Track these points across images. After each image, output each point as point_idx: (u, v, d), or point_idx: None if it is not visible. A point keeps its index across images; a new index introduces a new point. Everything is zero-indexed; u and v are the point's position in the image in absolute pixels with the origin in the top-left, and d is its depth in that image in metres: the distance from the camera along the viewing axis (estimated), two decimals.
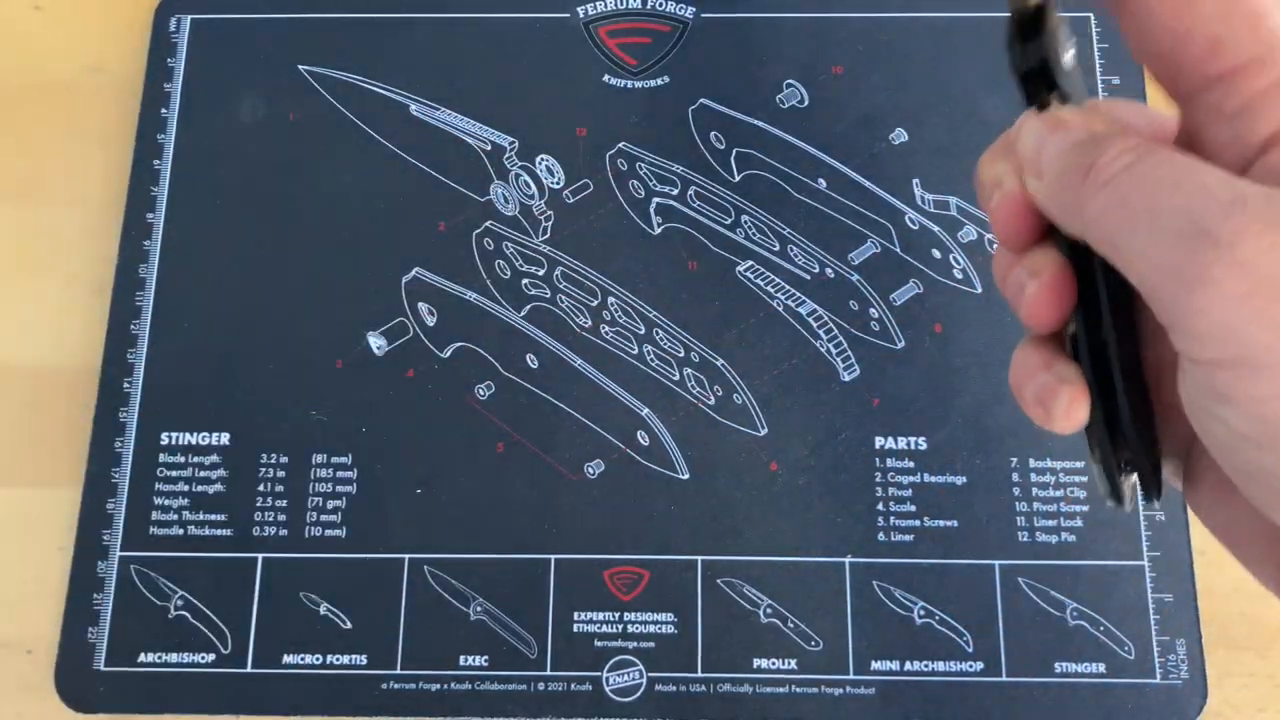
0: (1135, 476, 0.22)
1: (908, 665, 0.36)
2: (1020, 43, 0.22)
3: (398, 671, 0.36)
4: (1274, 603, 0.37)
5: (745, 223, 0.40)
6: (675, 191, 0.41)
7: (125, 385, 0.39)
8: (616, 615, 0.37)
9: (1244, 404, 0.18)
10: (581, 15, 0.43)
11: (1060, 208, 0.21)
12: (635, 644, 0.36)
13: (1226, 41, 0.19)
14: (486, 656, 0.36)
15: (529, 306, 0.40)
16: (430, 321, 0.40)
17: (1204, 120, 0.20)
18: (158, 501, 0.38)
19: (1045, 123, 0.21)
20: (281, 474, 0.38)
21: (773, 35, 0.43)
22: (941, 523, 0.37)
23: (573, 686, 0.36)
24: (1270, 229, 0.17)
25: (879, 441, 0.38)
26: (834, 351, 0.39)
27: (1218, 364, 0.18)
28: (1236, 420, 0.18)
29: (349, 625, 0.37)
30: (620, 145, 0.41)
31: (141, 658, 0.36)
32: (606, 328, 0.39)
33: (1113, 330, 0.21)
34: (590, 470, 0.38)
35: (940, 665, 0.36)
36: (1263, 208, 0.17)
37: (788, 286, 0.40)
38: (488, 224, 0.41)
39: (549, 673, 0.36)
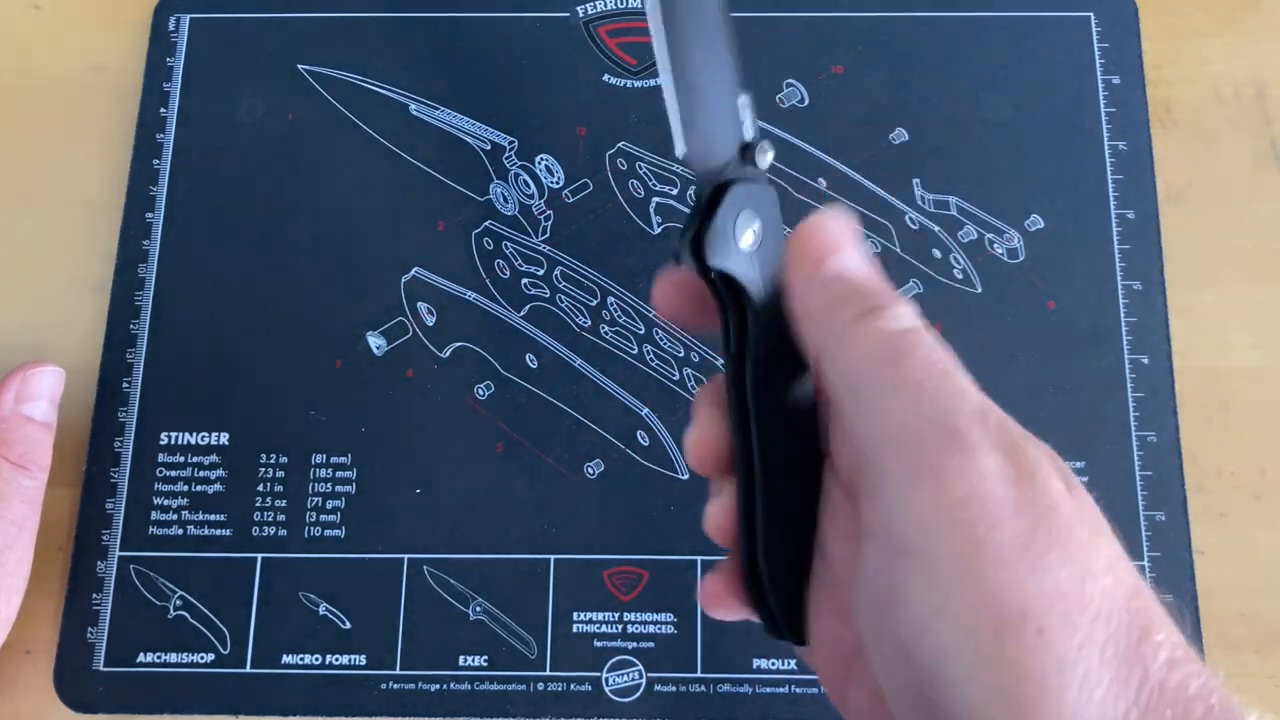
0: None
1: None
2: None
3: (397, 672, 0.36)
4: (1274, 603, 0.37)
5: None
6: (675, 191, 0.41)
7: (124, 385, 0.39)
8: (616, 615, 0.37)
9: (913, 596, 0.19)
10: (581, 15, 0.43)
11: (819, 330, 0.22)
12: (635, 644, 0.36)
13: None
14: (486, 656, 0.36)
15: (528, 306, 0.40)
16: (430, 321, 0.40)
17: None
18: (157, 501, 0.38)
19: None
20: (280, 474, 0.38)
21: (773, 35, 0.43)
22: None
23: (572, 686, 0.36)
24: (997, 450, 0.19)
25: None
26: None
27: (902, 551, 0.19)
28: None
29: (348, 625, 0.37)
30: (620, 145, 0.41)
31: (141, 658, 0.36)
32: (606, 327, 0.39)
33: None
34: (590, 470, 0.38)
35: None
36: (997, 430, 0.19)
37: None
38: (487, 224, 0.41)
39: (548, 673, 0.36)
